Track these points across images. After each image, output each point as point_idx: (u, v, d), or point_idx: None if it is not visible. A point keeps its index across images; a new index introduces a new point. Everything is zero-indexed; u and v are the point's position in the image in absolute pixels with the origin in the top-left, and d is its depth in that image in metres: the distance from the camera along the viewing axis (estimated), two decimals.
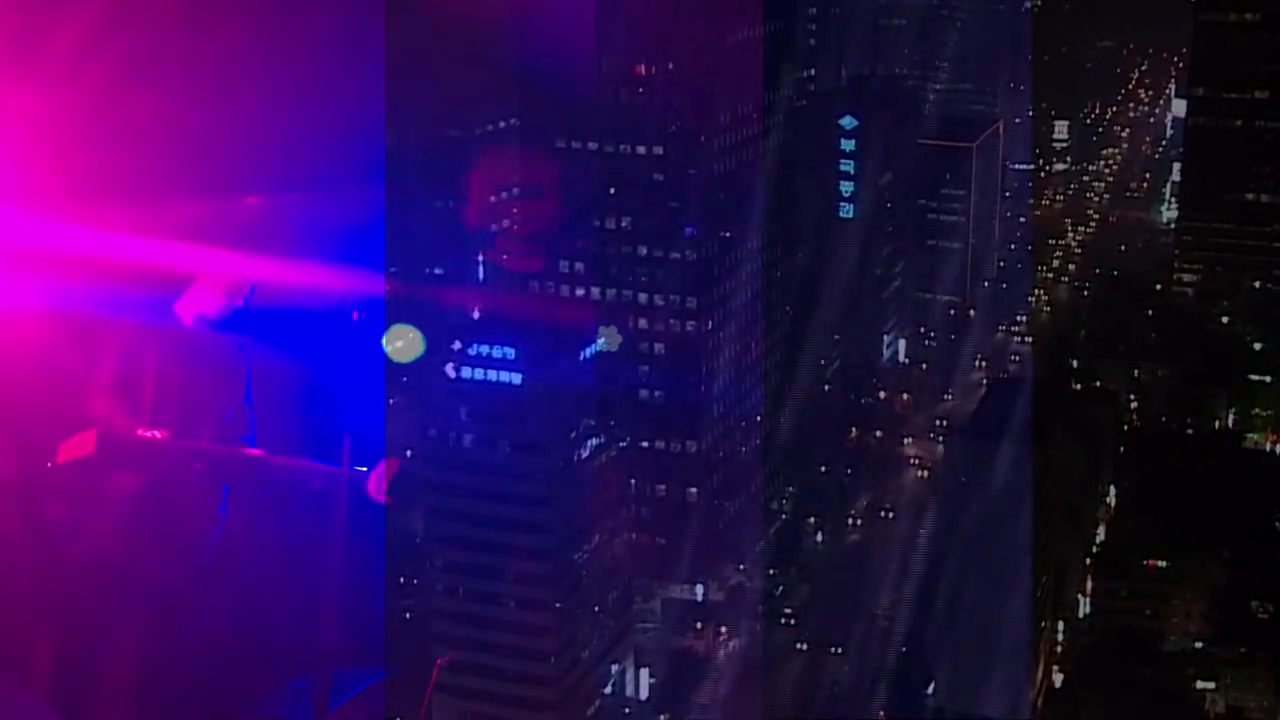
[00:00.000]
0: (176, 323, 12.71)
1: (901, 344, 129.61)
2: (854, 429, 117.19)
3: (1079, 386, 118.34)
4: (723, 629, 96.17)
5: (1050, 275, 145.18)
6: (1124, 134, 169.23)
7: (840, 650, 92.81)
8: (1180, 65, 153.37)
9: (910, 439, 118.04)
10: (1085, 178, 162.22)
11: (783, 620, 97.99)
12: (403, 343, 71.11)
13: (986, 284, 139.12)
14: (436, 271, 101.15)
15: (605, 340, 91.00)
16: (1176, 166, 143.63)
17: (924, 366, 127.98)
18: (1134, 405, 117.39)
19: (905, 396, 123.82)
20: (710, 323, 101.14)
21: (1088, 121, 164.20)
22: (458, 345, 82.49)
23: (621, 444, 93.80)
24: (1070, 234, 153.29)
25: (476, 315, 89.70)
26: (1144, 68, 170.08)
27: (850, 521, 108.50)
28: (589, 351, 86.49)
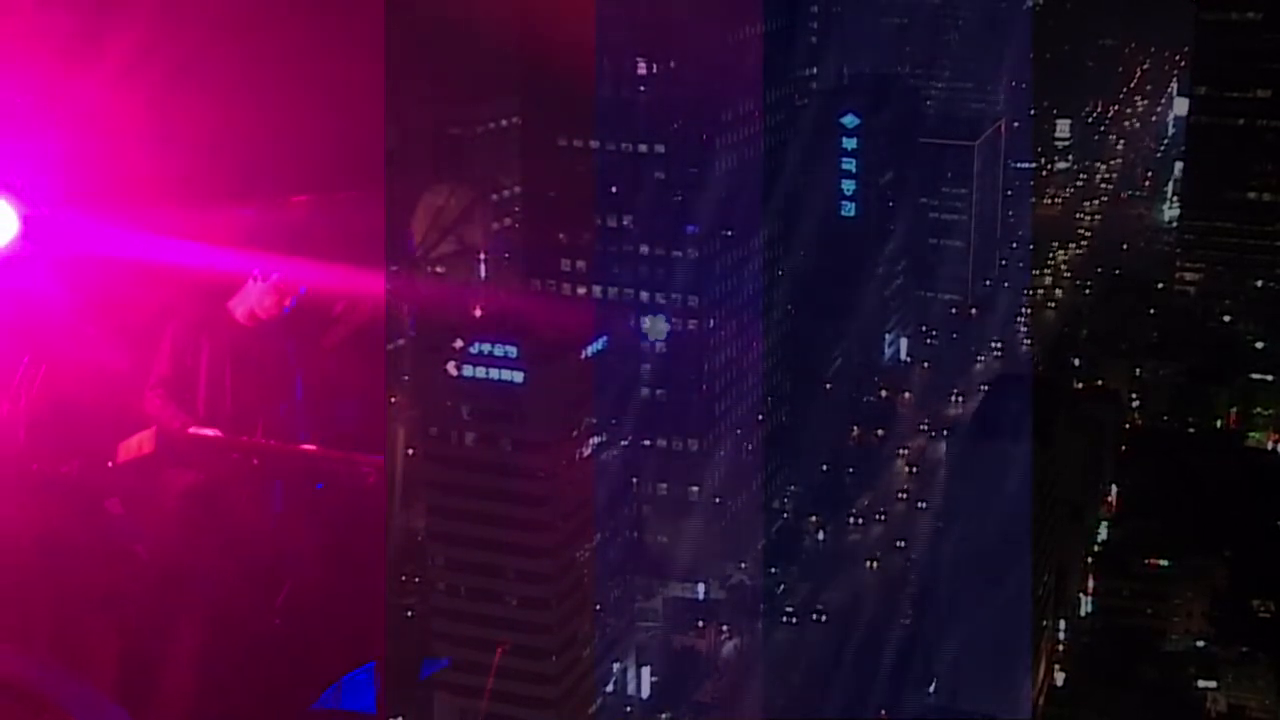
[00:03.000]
0: (229, 321, 12.63)
1: (903, 342, 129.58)
2: (855, 428, 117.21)
3: (1080, 385, 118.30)
4: (724, 627, 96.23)
5: (1052, 274, 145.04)
6: (1126, 132, 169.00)
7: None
8: (1182, 63, 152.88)
9: (912, 438, 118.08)
10: (1087, 176, 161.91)
11: (784, 619, 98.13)
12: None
13: (988, 282, 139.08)
14: (438, 270, 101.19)
15: (652, 327, 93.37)
16: (1178, 165, 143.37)
17: (926, 365, 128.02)
18: (1135, 404, 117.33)
19: (907, 395, 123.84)
20: (712, 321, 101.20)
21: (1089, 120, 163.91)
22: (459, 343, 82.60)
23: (623, 442, 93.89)
24: (1072, 232, 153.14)
25: (478, 313, 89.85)
26: (1146, 66, 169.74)
27: (851, 520, 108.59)
28: (591, 350, 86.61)
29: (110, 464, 13.23)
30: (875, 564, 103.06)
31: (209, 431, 13.04)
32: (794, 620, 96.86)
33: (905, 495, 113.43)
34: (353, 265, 13.57)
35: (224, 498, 13.08)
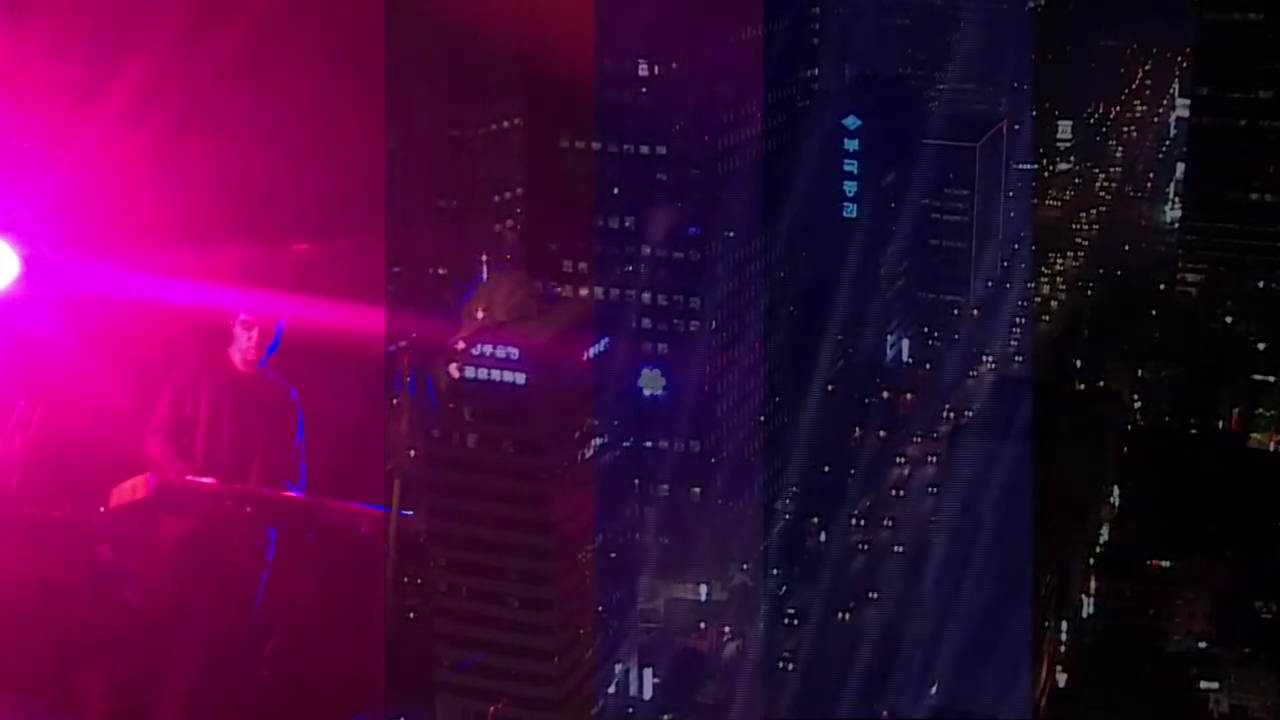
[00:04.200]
0: (229, 368, 12.73)
1: (905, 344, 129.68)
2: (857, 429, 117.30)
3: (1082, 386, 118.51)
4: (726, 628, 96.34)
5: (1053, 275, 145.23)
6: (1127, 133, 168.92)
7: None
8: (1184, 64, 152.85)
9: (913, 438, 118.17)
10: (1088, 177, 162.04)
11: (785, 620, 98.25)
12: None
13: (990, 284, 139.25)
14: (440, 271, 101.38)
15: (648, 380, 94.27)
16: (1180, 166, 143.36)
17: (928, 366, 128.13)
18: (1137, 405, 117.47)
19: (909, 396, 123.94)
20: (713, 322, 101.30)
21: (1091, 121, 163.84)
22: (461, 345, 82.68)
23: (625, 444, 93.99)
24: (1073, 234, 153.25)
25: (480, 314, 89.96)
26: (1147, 67, 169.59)
27: (853, 521, 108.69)
28: (592, 352, 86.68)
29: (102, 508, 13.31)
30: (873, 565, 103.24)
31: (205, 479, 13.14)
32: (795, 621, 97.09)
33: (906, 496, 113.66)
34: (354, 305, 13.70)
35: (217, 545, 13.17)
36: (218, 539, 13.21)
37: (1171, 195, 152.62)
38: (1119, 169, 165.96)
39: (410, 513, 12.72)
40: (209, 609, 13.21)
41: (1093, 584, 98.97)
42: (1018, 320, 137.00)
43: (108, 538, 13.35)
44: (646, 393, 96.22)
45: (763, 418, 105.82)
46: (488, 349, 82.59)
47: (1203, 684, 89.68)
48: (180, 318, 13.41)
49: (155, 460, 13.28)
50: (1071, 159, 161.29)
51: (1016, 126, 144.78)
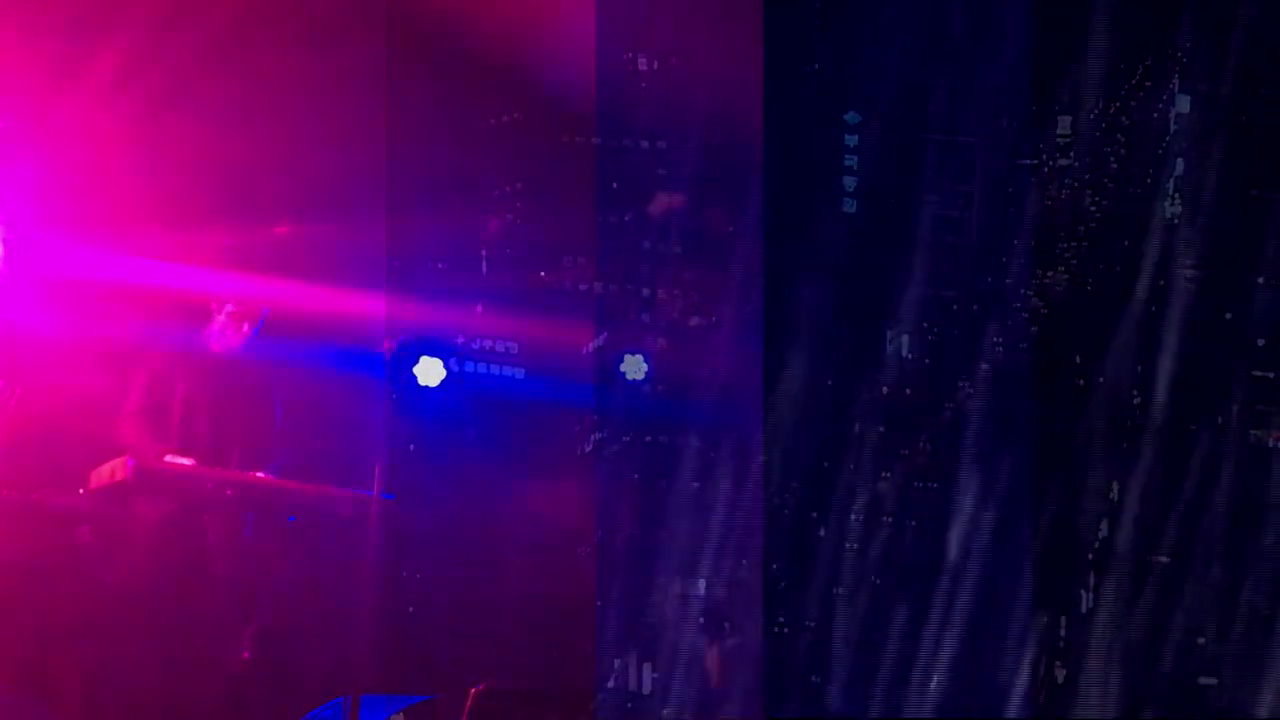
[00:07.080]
0: (206, 349, 12.78)
1: (904, 339, 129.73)
2: (857, 424, 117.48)
3: (1081, 382, 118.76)
4: (725, 623, 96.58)
5: (1053, 271, 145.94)
6: (1128, 129, 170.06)
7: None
8: (1184, 59, 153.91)
9: (912, 434, 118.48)
10: (1088, 173, 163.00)
11: (783, 620, 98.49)
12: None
13: (990, 279, 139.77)
14: (439, 266, 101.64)
15: (630, 367, 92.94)
16: (1180, 161, 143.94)
17: (926, 362, 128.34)
18: (1136, 401, 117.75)
19: (908, 392, 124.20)
20: (713, 318, 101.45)
21: (1091, 116, 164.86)
22: (460, 339, 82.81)
23: (625, 438, 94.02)
24: (1073, 229, 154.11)
25: (479, 310, 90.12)
26: (1148, 63, 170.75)
27: (852, 517, 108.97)
28: (592, 346, 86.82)
29: (82, 491, 13.20)
30: (872, 560, 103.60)
31: (184, 461, 13.03)
32: (786, 629, 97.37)
33: (906, 493, 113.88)
34: (342, 288, 13.58)
35: (196, 529, 13.08)
36: (198, 522, 13.11)
37: (1171, 191, 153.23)
38: (1118, 164, 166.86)
39: (391, 495, 12.66)
40: (187, 593, 13.12)
41: (1091, 579, 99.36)
42: (1017, 316, 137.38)
43: (87, 520, 13.24)
44: (629, 378, 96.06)
45: (762, 413, 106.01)
46: (486, 343, 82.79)
47: (1202, 680, 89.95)
48: (160, 300, 13.28)
49: (131, 442, 13.16)
50: (1071, 154, 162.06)
51: (1017, 121, 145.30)
